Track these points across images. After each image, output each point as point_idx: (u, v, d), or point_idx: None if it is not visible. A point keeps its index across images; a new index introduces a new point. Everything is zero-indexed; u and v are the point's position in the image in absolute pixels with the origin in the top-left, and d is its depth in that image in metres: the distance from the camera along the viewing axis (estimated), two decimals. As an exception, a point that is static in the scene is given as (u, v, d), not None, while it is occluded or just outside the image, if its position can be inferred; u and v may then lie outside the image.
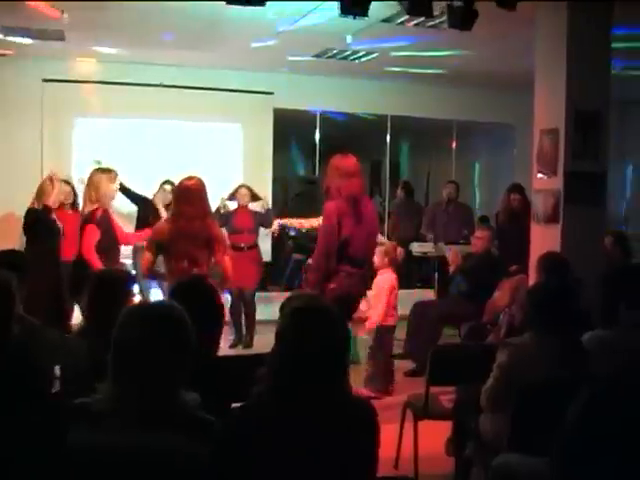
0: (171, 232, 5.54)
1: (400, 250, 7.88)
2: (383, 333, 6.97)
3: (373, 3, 5.85)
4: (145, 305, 2.50)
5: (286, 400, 2.37)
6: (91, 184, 6.59)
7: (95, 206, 6.53)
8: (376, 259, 6.57)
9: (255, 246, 8.63)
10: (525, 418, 3.62)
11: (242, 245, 8.42)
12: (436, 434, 4.90)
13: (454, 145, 11.62)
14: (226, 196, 8.79)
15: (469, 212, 10.60)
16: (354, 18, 5.36)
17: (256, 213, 8.74)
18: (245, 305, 8.65)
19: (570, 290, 4.00)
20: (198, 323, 2.52)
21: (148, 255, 5.60)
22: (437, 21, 6.38)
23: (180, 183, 5.73)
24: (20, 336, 3.33)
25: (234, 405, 2.76)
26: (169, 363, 2.36)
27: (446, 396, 4.94)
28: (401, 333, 8.13)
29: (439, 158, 12.48)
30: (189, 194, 5.57)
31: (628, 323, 3.88)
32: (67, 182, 7.77)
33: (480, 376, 4.07)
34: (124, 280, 4.16)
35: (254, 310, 8.67)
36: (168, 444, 2.29)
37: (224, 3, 5.31)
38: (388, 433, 5.05)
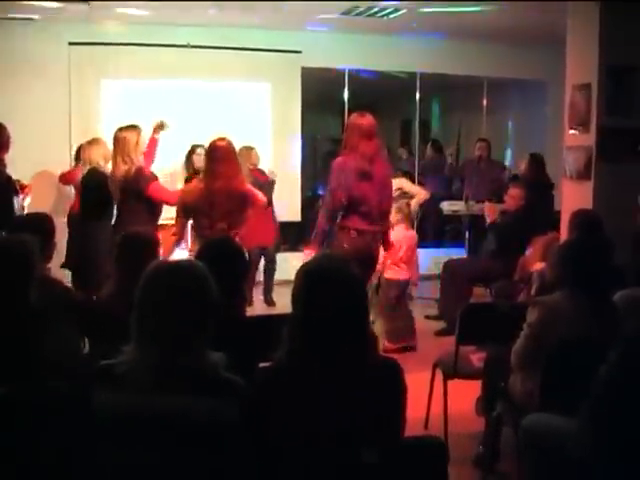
0: (209, 192, 5.51)
1: (414, 205, 7.95)
2: (396, 286, 7.06)
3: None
4: (166, 264, 2.47)
5: (305, 363, 2.35)
6: (126, 143, 6.40)
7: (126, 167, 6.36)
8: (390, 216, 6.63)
9: (270, 204, 8.48)
10: (555, 377, 3.59)
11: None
12: (466, 393, 4.87)
13: (485, 102, 11.44)
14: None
15: (501, 169, 10.48)
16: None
17: (264, 174, 8.69)
18: (267, 263, 8.78)
19: (602, 247, 3.94)
20: (224, 283, 2.50)
21: (180, 219, 5.63)
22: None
23: (213, 143, 5.70)
24: (39, 301, 3.32)
25: (262, 365, 2.77)
26: (192, 322, 2.34)
27: (476, 355, 4.91)
28: (436, 293, 8.14)
29: (470, 116, 12.31)
30: (224, 153, 5.58)
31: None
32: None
33: (510, 335, 4.04)
34: (152, 242, 4.18)
35: (274, 269, 8.84)
36: (194, 404, 2.29)
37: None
38: (418, 392, 5.10)
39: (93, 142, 7.35)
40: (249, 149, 8.53)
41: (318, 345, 2.34)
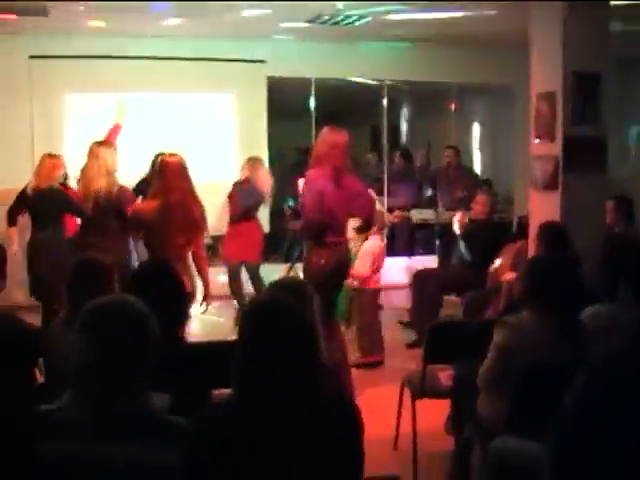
0: (164, 207, 5.42)
1: (387, 216, 7.93)
2: (368, 296, 6.96)
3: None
4: (101, 306, 2.33)
5: (248, 407, 2.24)
6: (105, 158, 6.31)
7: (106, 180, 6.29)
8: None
9: (253, 217, 8.30)
10: (522, 400, 3.51)
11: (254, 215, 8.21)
12: (436, 411, 4.79)
13: (453, 108, 11.39)
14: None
15: (472, 176, 10.44)
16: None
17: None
18: (252, 280, 8.25)
19: (568, 265, 3.86)
20: (160, 313, 2.40)
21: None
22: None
23: (164, 160, 5.63)
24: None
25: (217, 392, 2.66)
26: (130, 367, 2.23)
27: (445, 373, 4.83)
28: (407, 301, 8.08)
29: (439, 122, 12.26)
30: (176, 169, 5.52)
31: (627, 298, 3.72)
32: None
33: (479, 354, 3.95)
34: (105, 270, 4.04)
35: (263, 285, 8.11)
36: (133, 452, 2.18)
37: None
38: (387, 409, 5.04)
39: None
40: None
41: (261, 386, 2.23)
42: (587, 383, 2.73)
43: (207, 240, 8.49)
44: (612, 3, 5.80)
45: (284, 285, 3.27)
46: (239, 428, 2.23)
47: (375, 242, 6.97)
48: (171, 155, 5.62)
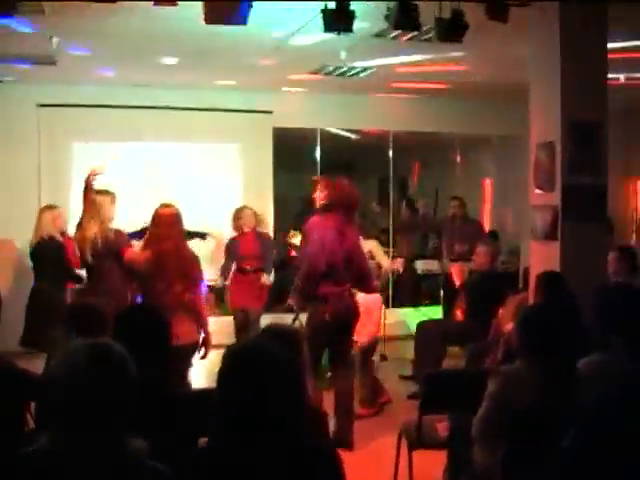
0: (158, 255, 5.49)
1: (385, 269, 7.88)
2: (365, 351, 7.00)
3: (365, 19, 5.75)
4: (75, 349, 2.29)
5: (227, 453, 2.21)
6: (102, 206, 6.39)
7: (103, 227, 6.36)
8: None
9: (261, 269, 8.37)
10: (516, 451, 3.44)
11: (248, 268, 8.25)
12: (434, 462, 4.72)
13: (458, 159, 11.42)
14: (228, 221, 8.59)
15: (477, 228, 10.41)
16: (339, 34, 5.21)
17: (262, 239, 8.53)
18: (250, 327, 8.27)
19: (563, 313, 3.81)
20: (139, 357, 2.37)
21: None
22: (428, 35, 6.20)
23: (157, 210, 5.72)
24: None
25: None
26: (106, 410, 2.19)
27: (442, 423, 4.76)
28: (411, 353, 8.03)
29: (446, 173, 12.29)
30: (168, 218, 5.61)
31: (617, 348, 3.65)
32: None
33: (475, 404, 3.90)
34: (100, 314, 4.03)
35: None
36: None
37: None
38: (385, 460, 4.97)
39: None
40: (240, 210, 8.48)
41: (237, 431, 2.19)
42: (577, 438, 2.69)
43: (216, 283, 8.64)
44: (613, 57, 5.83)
45: (273, 331, 3.25)
46: (214, 475, 2.19)
47: (372, 296, 6.96)
48: (165, 205, 5.70)
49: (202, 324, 5.57)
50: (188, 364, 5.45)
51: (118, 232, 6.15)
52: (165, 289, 5.40)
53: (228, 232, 8.60)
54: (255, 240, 8.33)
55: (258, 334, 3.18)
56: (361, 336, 6.84)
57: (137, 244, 6.22)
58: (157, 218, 5.66)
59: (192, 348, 5.41)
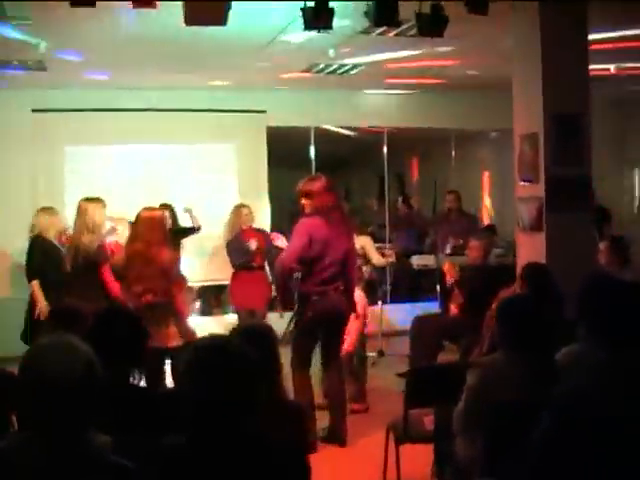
0: (127, 255, 5.74)
1: (365, 269, 7.83)
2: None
3: (348, 16, 5.78)
4: (42, 349, 2.32)
5: (191, 447, 2.23)
6: (93, 214, 6.42)
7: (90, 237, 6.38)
8: None
9: (263, 267, 8.39)
10: (496, 442, 3.45)
11: (254, 265, 8.23)
12: (423, 456, 4.72)
13: (453, 154, 11.41)
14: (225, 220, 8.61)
15: (472, 221, 10.40)
16: (319, 32, 5.23)
17: (264, 233, 8.57)
18: None
19: (541, 304, 3.81)
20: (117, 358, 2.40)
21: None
22: (413, 32, 6.20)
23: (139, 212, 5.90)
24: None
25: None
26: (72, 408, 2.21)
27: (429, 417, 4.77)
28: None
29: (444, 167, 12.27)
30: (147, 220, 5.77)
31: (593, 337, 3.63)
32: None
33: (458, 397, 3.91)
34: (81, 316, 4.05)
35: None
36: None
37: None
38: (375, 455, 4.98)
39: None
40: (238, 207, 8.50)
41: (200, 428, 2.21)
42: (549, 424, 2.70)
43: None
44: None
45: (243, 328, 3.28)
46: (178, 471, 2.22)
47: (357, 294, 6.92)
48: (148, 209, 5.87)
49: (178, 326, 5.65)
50: (155, 366, 5.46)
51: (100, 247, 6.27)
52: (127, 288, 5.62)
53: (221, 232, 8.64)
54: (257, 235, 8.34)
55: (230, 331, 3.19)
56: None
57: None
58: (137, 220, 5.84)
59: (160, 351, 5.45)
